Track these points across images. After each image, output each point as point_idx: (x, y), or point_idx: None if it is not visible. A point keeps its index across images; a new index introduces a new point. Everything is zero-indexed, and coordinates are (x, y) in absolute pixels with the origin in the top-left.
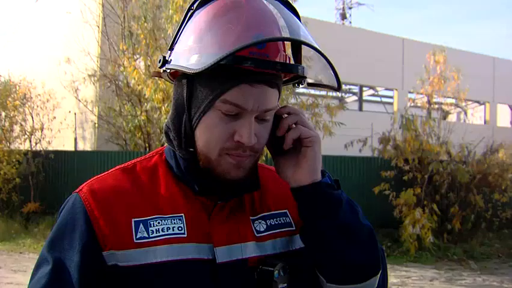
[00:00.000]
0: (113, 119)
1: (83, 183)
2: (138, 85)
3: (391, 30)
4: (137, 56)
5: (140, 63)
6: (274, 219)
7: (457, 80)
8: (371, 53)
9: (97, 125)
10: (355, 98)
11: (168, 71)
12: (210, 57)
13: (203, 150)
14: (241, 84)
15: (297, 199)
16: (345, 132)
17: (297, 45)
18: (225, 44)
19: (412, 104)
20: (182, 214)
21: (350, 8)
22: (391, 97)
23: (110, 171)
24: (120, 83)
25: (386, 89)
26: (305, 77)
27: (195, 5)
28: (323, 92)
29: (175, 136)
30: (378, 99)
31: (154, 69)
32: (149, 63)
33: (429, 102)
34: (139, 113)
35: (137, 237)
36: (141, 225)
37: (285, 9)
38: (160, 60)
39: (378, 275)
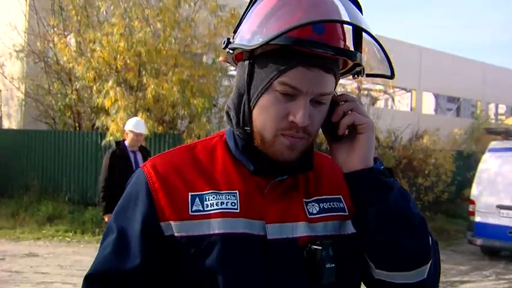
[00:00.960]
0: (41, 97)
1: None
2: (69, 63)
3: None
4: (68, 33)
5: (71, 40)
6: (328, 203)
7: None
8: None
9: (24, 102)
10: None
11: (232, 52)
12: (268, 37)
13: (259, 129)
14: (298, 67)
15: (349, 184)
16: None
17: (358, 34)
18: (284, 27)
19: (342, 90)
20: (236, 191)
21: None
22: None
23: (174, 148)
24: (49, 60)
25: None
26: (363, 66)
27: None
28: None
29: (234, 115)
30: None
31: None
32: (80, 40)
33: (358, 88)
34: (69, 91)
35: (193, 209)
36: (197, 199)
37: (349, 1)
38: (224, 41)
39: (429, 264)
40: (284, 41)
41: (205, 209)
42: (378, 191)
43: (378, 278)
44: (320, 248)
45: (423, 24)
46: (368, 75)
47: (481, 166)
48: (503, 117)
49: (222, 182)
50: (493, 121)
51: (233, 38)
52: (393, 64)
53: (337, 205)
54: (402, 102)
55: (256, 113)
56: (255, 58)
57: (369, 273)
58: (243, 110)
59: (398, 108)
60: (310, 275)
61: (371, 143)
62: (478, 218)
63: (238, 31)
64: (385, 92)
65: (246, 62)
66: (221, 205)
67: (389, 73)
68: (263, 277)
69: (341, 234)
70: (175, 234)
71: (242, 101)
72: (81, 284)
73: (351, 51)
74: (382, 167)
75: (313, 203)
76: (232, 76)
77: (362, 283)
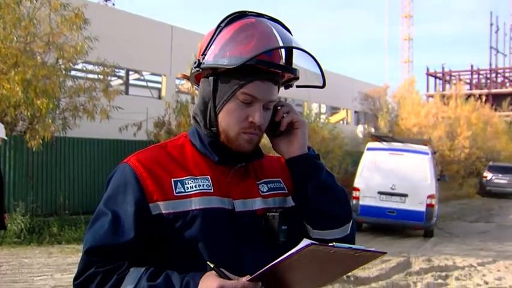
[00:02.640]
0: None
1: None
2: None
3: (159, 16)
4: None
5: None
6: (273, 184)
7: None
8: (138, 37)
9: None
10: (121, 81)
11: (196, 71)
12: (235, 59)
13: (224, 129)
14: (256, 81)
15: (290, 167)
16: (115, 115)
17: (290, 54)
18: (245, 52)
19: (177, 90)
20: (208, 176)
21: None
22: (158, 82)
23: (148, 147)
24: None
25: (153, 74)
26: (297, 79)
27: (223, 24)
28: (101, 76)
29: (202, 119)
30: (144, 83)
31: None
32: None
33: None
34: None
35: (177, 191)
36: (179, 183)
37: (281, 27)
38: (195, 62)
39: (350, 223)
40: (251, 62)
41: (187, 190)
42: (313, 170)
43: (314, 237)
44: (277, 214)
45: None
46: (299, 86)
47: (362, 161)
48: (323, 116)
49: (195, 170)
50: (321, 119)
51: (202, 59)
52: (325, 74)
53: (279, 185)
54: None
55: (221, 116)
56: (219, 75)
57: (307, 234)
58: (209, 115)
59: None
60: (270, 237)
61: (306, 135)
62: (362, 202)
63: (205, 54)
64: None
65: (211, 78)
66: (199, 187)
67: (320, 83)
68: (235, 241)
69: (285, 206)
70: (163, 212)
71: (208, 108)
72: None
73: (295, 68)
74: (314, 153)
75: (262, 184)
76: (76, 77)
77: None
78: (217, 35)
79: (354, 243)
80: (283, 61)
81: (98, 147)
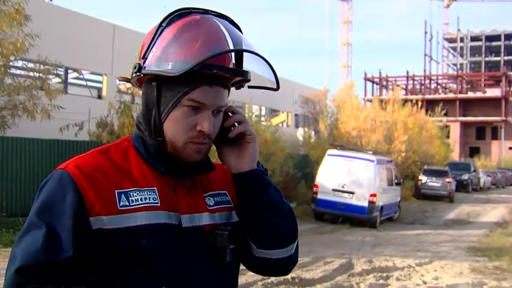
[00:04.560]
0: None
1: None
2: None
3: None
4: None
5: None
6: (219, 197)
7: None
8: (79, 35)
9: None
10: (59, 80)
11: (137, 76)
12: (179, 64)
13: (171, 138)
14: (203, 86)
15: (237, 182)
16: (56, 115)
17: (240, 55)
18: (190, 55)
19: (117, 90)
20: (155, 188)
21: None
22: (98, 82)
23: (88, 152)
24: None
25: (93, 73)
26: (249, 80)
27: (164, 23)
28: (41, 74)
29: (146, 128)
30: (83, 82)
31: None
32: None
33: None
34: None
35: (121, 205)
36: (123, 195)
37: (230, 25)
38: (135, 66)
39: (296, 242)
40: (198, 67)
41: (131, 204)
42: (262, 187)
43: (258, 256)
44: (226, 232)
45: None
46: (251, 87)
47: (322, 164)
48: (263, 119)
49: (140, 180)
50: (263, 122)
51: (143, 63)
52: (278, 76)
53: (225, 198)
54: None
55: (166, 125)
56: (162, 80)
57: (250, 253)
58: (153, 123)
59: None
60: (217, 255)
61: (257, 150)
62: (319, 196)
63: (146, 57)
64: None
65: (154, 83)
66: (145, 200)
67: (274, 85)
68: (183, 259)
69: (231, 221)
70: (105, 227)
71: (151, 115)
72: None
73: (246, 71)
74: (262, 168)
75: (209, 197)
76: (16, 75)
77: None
78: (158, 36)
79: (297, 262)
80: (233, 62)
81: (38, 147)
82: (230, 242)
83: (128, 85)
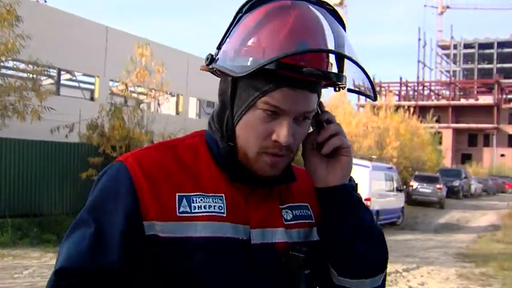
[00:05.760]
0: None
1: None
2: None
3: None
4: None
5: None
6: (299, 210)
7: (161, 73)
8: (71, 37)
9: None
10: (52, 81)
11: (209, 69)
12: (254, 61)
13: (242, 145)
14: (283, 88)
15: (323, 198)
16: (46, 116)
17: (340, 56)
18: (269, 49)
19: (110, 92)
20: (222, 195)
21: None
22: (91, 83)
23: (153, 145)
24: None
25: (85, 75)
26: (345, 86)
27: (244, 9)
28: (33, 75)
29: (218, 129)
30: (76, 84)
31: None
32: None
33: (132, 91)
34: None
35: (180, 211)
36: (184, 200)
37: (331, 17)
38: (207, 58)
39: (384, 272)
40: (269, 66)
41: (193, 211)
42: (352, 205)
43: (338, 284)
44: (302, 255)
45: (193, 32)
46: (350, 91)
47: None
48: None
49: (207, 184)
50: None
51: (216, 55)
52: (375, 85)
53: (305, 212)
54: (170, 106)
55: (239, 129)
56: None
57: (330, 280)
58: (225, 125)
59: (166, 113)
60: (290, 280)
61: (351, 164)
62: None
63: (221, 48)
64: (155, 97)
65: (229, 79)
66: (209, 208)
67: (371, 94)
68: (245, 281)
69: (310, 240)
70: (160, 235)
71: (225, 116)
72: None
73: (338, 74)
74: (353, 183)
75: (287, 210)
76: (6, 75)
77: None
78: (236, 24)
79: None
80: (331, 63)
81: (28, 148)
82: (306, 266)
83: (122, 87)
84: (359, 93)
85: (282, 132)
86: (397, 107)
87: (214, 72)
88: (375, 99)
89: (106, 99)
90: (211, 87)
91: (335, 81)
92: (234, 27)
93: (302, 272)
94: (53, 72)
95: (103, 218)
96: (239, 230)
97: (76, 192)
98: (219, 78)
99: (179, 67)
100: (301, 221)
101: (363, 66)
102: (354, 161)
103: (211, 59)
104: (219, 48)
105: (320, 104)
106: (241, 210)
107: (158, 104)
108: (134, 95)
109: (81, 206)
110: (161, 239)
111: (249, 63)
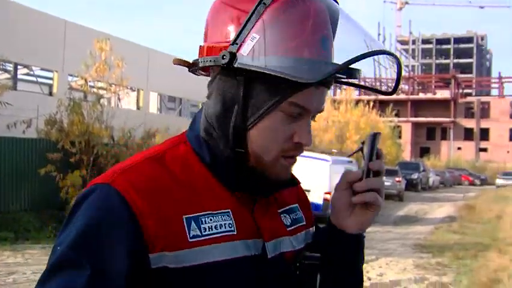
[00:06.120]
0: None
1: (104, 173)
2: None
3: (54, 10)
4: None
5: None
6: (294, 214)
7: (121, 68)
8: (29, 31)
9: None
10: (8, 75)
11: (222, 66)
12: (302, 63)
13: (256, 151)
14: (310, 87)
15: (334, 237)
16: (3, 111)
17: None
18: (307, 48)
19: (69, 87)
20: (229, 210)
21: None
22: (50, 78)
23: (138, 159)
24: None
25: (43, 70)
26: (359, 79)
27: (268, 1)
28: None
29: (221, 134)
30: (34, 79)
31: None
32: None
33: (91, 86)
34: None
35: (191, 235)
36: (193, 222)
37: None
38: (224, 56)
39: None
40: (340, 72)
41: (203, 233)
42: (361, 252)
43: None
44: (317, 262)
45: (154, 27)
46: (363, 87)
47: None
48: None
49: (210, 200)
50: None
51: (237, 50)
52: (400, 81)
53: (298, 215)
54: (130, 101)
55: (254, 134)
56: (253, 73)
57: None
58: (233, 130)
59: (126, 107)
60: None
61: (373, 219)
62: None
63: (241, 44)
64: (115, 92)
65: (241, 78)
66: (220, 228)
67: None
68: None
69: (307, 243)
70: (169, 266)
71: (230, 119)
72: None
73: (357, 69)
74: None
75: (284, 214)
76: None
77: None
78: (260, 15)
79: None
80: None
81: None
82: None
83: (81, 82)
84: (373, 90)
85: (304, 134)
86: (357, 101)
87: (199, 68)
88: (392, 93)
89: (64, 94)
90: (171, 82)
91: (353, 77)
92: (257, 19)
93: (316, 279)
94: (9, 67)
95: (100, 259)
96: (250, 246)
97: (33, 189)
98: (180, 73)
99: (139, 62)
100: (298, 225)
101: (400, 60)
102: (314, 155)
103: (232, 57)
104: (234, 43)
105: (378, 151)
106: (248, 223)
107: (119, 99)
108: (94, 90)
109: (39, 202)
110: (170, 270)
111: (302, 66)
